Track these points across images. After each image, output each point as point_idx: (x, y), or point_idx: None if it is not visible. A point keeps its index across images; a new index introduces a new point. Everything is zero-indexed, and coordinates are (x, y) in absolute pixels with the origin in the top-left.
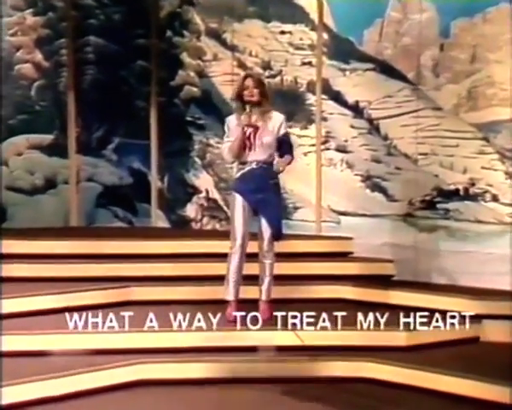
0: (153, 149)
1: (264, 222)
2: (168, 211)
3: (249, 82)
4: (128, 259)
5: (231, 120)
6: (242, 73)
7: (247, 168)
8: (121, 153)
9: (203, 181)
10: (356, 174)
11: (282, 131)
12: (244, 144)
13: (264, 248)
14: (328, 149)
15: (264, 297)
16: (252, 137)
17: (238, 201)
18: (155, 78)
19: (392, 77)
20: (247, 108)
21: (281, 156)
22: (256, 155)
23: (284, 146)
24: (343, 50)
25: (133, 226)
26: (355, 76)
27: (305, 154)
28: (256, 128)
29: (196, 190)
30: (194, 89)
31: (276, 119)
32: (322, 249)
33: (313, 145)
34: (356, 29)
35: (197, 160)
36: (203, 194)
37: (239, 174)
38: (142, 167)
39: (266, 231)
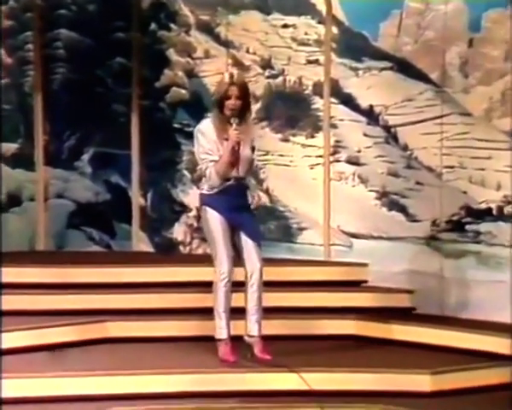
0: (134, 160)
1: (248, 241)
2: (152, 233)
3: (234, 91)
4: (105, 289)
5: (207, 131)
6: (226, 76)
7: (226, 184)
8: (97, 165)
9: (193, 198)
10: (370, 190)
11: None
12: (233, 161)
13: (256, 272)
14: (337, 160)
15: (258, 332)
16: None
17: (216, 219)
18: (137, 78)
19: (412, 77)
20: (232, 121)
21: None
22: (236, 172)
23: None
24: (355, 46)
25: (111, 251)
26: (369, 76)
27: (312, 166)
28: (239, 143)
29: (185, 209)
30: (183, 91)
31: (254, 131)
32: (331, 277)
33: (320, 156)
34: (370, 22)
35: (186, 173)
36: (193, 213)
37: (214, 191)
38: (122, 182)
39: (255, 250)
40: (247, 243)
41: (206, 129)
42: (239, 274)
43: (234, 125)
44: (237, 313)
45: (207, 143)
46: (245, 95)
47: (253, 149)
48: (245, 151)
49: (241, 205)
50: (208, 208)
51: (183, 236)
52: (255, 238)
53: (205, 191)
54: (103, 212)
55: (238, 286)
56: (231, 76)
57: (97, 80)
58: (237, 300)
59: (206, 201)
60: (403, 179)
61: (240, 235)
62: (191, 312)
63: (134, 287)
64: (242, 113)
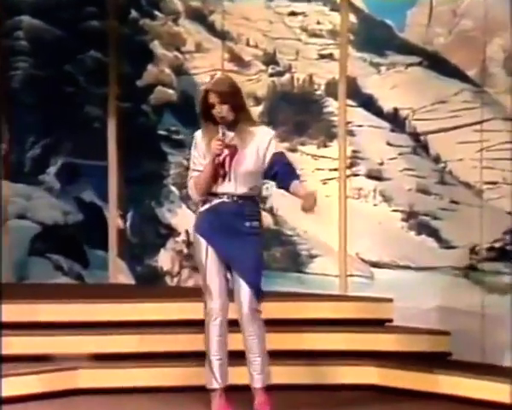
0: (111, 173)
1: (239, 279)
2: (133, 261)
3: (212, 98)
4: (75, 329)
5: (199, 140)
6: (202, 87)
7: (216, 202)
8: (66, 179)
9: (182, 219)
10: (395, 210)
11: (272, 151)
12: (216, 174)
13: (244, 318)
14: (355, 174)
15: (258, 384)
16: (227, 162)
17: (203, 244)
18: (115, 75)
19: (445, 75)
20: (220, 130)
21: (280, 186)
22: (231, 187)
23: (282, 169)
24: (377, 38)
25: (83, 283)
26: (393, 73)
27: (324, 181)
28: (233, 150)
29: (172, 232)
30: (170, 91)
31: (262, 136)
32: (349, 315)
33: (335, 170)
34: (395, 9)
35: (174, 189)
36: (182, 237)
37: (203, 208)
38: (97, 199)
39: (244, 291)
40: (238, 280)
41: (198, 137)
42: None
43: (220, 134)
44: (238, 357)
45: (197, 152)
46: (230, 97)
47: (278, 154)
48: (243, 163)
49: (236, 231)
50: (195, 232)
51: (171, 264)
52: (248, 278)
53: (198, 210)
54: (74, 236)
55: (238, 326)
56: (210, 81)
57: (67, 78)
58: (238, 342)
59: (195, 222)
60: (435, 197)
61: (234, 275)
62: (179, 356)
63: (110, 327)
64: (236, 119)
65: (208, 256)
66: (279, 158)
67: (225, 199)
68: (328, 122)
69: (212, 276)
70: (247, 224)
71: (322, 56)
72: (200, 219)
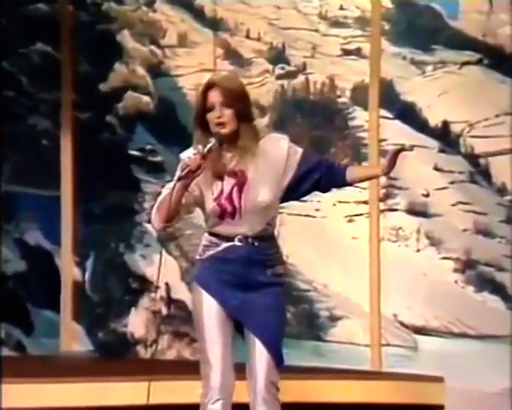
0: (65, 206)
1: (254, 342)
2: (93, 325)
3: (214, 96)
4: None
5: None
6: (203, 84)
7: (225, 246)
8: (4, 214)
9: (161, 268)
10: (445, 257)
11: (296, 160)
12: (222, 211)
13: (258, 396)
14: (392, 209)
15: None
16: (235, 195)
17: (205, 302)
18: (69, 76)
19: None
20: (210, 142)
21: (334, 185)
22: (243, 227)
23: (323, 170)
24: (421, 28)
25: (24, 355)
26: (443, 75)
27: (350, 219)
28: (240, 178)
29: (148, 286)
30: (145, 97)
31: (275, 148)
32: (385, 399)
33: (364, 203)
34: None
35: (149, 228)
36: (161, 292)
37: (206, 255)
38: (45, 242)
39: (261, 357)
40: (253, 345)
41: (184, 155)
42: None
43: (205, 147)
44: None
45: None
46: (237, 99)
47: (305, 158)
48: (258, 192)
49: (254, 282)
50: (196, 285)
51: (144, 330)
52: (267, 339)
53: (197, 255)
54: (13, 291)
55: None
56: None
57: (5, 78)
58: None
59: (196, 271)
60: (499, 241)
61: (248, 336)
62: None
63: None
64: (238, 131)
65: (212, 316)
66: (309, 161)
67: (236, 242)
68: (356, 140)
69: (215, 342)
70: (269, 272)
71: (346, 52)
72: (204, 269)
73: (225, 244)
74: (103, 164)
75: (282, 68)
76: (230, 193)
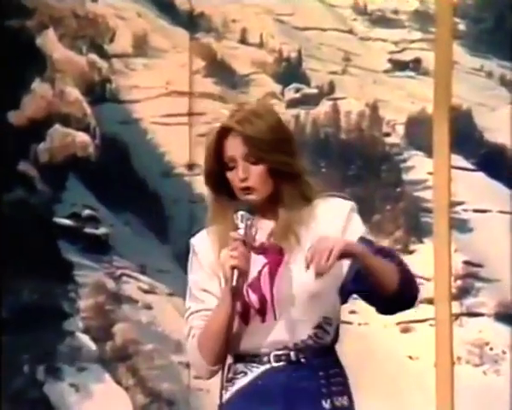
0: None
1: None
2: None
3: (234, 147)
4: None
5: (201, 250)
6: (216, 126)
7: (258, 371)
8: None
9: (110, 404)
10: None
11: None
12: (245, 307)
13: None
14: (473, 313)
15: None
16: (264, 283)
17: None
18: None
19: None
20: (239, 218)
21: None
22: (280, 332)
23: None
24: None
25: None
26: None
27: (405, 327)
28: (275, 257)
29: None
30: (81, 135)
31: (331, 216)
32: None
33: (429, 302)
34: None
35: (87, 341)
36: None
37: (235, 388)
38: None
39: None
40: None
41: (199, 245)
42: None
43: (240, 225)
44: None
45: (199, 272)
46: (269, 149)
47: (366, 242)
48: (300, 277)
49: None
50: None
51: None
52: None
53: (224, 393)
54: None
55: None
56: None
57: None
58: None
59: None
60: None
61: None
62: None
63: None
64: (273, 194)
65: None
66: (378, 251)
67: (273, 362)
68: (413, 201)
69: None
70: (327, 404)
71: (398, 66)
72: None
73: (259, 369)
74: (15, 240)
75: (297, 90)
76: (258, 279)
